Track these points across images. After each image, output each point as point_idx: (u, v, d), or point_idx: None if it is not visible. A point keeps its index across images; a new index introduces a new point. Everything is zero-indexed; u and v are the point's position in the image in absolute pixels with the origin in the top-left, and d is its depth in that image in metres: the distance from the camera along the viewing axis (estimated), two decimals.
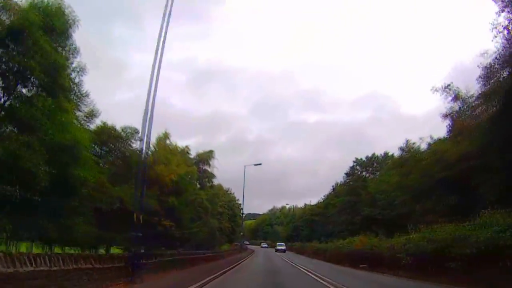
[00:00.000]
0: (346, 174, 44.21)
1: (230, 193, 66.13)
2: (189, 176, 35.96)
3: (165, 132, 29.78)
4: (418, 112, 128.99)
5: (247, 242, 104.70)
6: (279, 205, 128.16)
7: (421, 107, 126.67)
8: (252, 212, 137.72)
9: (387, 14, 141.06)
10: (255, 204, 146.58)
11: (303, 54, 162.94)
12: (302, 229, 73.27)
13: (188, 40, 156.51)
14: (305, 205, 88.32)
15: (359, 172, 42.88)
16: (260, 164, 43.75)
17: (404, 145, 37.12)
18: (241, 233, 47.63)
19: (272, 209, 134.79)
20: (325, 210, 53.00)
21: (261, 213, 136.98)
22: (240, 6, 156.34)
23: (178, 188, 30.26)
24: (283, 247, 56.38)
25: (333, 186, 54.31)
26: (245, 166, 43.23)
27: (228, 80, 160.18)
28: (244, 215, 73.68)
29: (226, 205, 59.69)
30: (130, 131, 21.11)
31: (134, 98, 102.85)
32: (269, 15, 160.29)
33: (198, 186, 45.56)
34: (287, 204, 76.13)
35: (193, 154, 40.46)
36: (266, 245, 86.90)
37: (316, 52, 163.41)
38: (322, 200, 59.79)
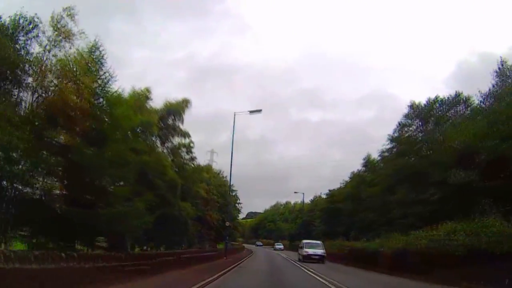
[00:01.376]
0: (399, 124, 27.67)
1: (222, 177, 50.41)
2: (140, 128, 21.11)
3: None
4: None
5: (260, 243, 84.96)
6: (283, 201, 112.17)
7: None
8: (253, 210, 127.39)
9: (393, 11, 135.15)
10: (256, 203, 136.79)
11: (306, 52, 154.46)
12: (315, 224, 57.62)
13: (189, 36, 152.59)
14: (315, 197, 72.38)
15: (415, 127, 26.88)
16: (259, 111, 27.53)
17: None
18: (227, 223, 30.53)
19: (275, 205, 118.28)
20: (351, 196, 37.25)
21: (262, 211, 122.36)
22: (242, 3, 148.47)
23: (98, 128, 15.13)
24: (321, 251, 27.55)
25: (364, 159, 38.41)
26: (234, 114, 27.30)
27: (229, 78, 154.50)
28: (239, 203, 57.78)
29: (215, 190, 44.05)
30: (24, 22, 12.01)
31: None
32: (271, 12, 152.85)
33: (166, 152, 30.43)
34: (295, 193, 59.53)
35: (158, 103, 25.61)
36: (281, 246, 63.23)
37: (320, 50, 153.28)
38: (344, 185, 43.72)
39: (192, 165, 34.95)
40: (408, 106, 27.65)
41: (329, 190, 46.73)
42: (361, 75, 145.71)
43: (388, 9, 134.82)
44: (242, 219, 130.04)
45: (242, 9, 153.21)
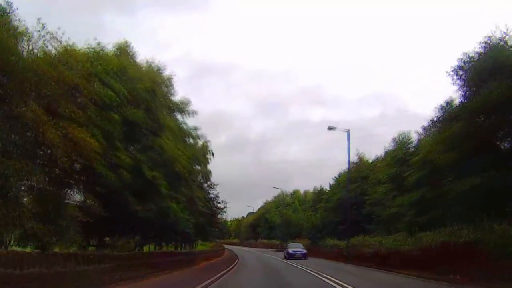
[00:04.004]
0: None
1: (166, 76, 19.98)
2: None
3: None
4: (425, 110, 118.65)
5: (299, 249, 40.20)
6: (289, 190, 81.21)
7: (428, 105, 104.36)
8: (253, 211, 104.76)
9: (395, 9, 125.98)
10: (257, 204, 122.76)
11: (307, 52, 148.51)
12: (366, 212, 28.58)
13: (188, 35, 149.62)
14: (355, 163, 42.01)
15: None
16: None
17: None
18: None
19: (279, 196, 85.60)
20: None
21: (263, 204, 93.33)
22: (242, 2, 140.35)
23: None
24: None
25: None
26: None
27: (229, 78, 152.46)
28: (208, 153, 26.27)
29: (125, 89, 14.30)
30: None
31: None
32: (271, 11, 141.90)
33: None
34: (330, 129, 28.26)
35: None
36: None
37: (321, 49, 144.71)
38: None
39: None
40: None
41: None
42: (363, 74, 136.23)
43: (393, 6, 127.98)
44: (242, 218, 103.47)
45: (243, 8, 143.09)
